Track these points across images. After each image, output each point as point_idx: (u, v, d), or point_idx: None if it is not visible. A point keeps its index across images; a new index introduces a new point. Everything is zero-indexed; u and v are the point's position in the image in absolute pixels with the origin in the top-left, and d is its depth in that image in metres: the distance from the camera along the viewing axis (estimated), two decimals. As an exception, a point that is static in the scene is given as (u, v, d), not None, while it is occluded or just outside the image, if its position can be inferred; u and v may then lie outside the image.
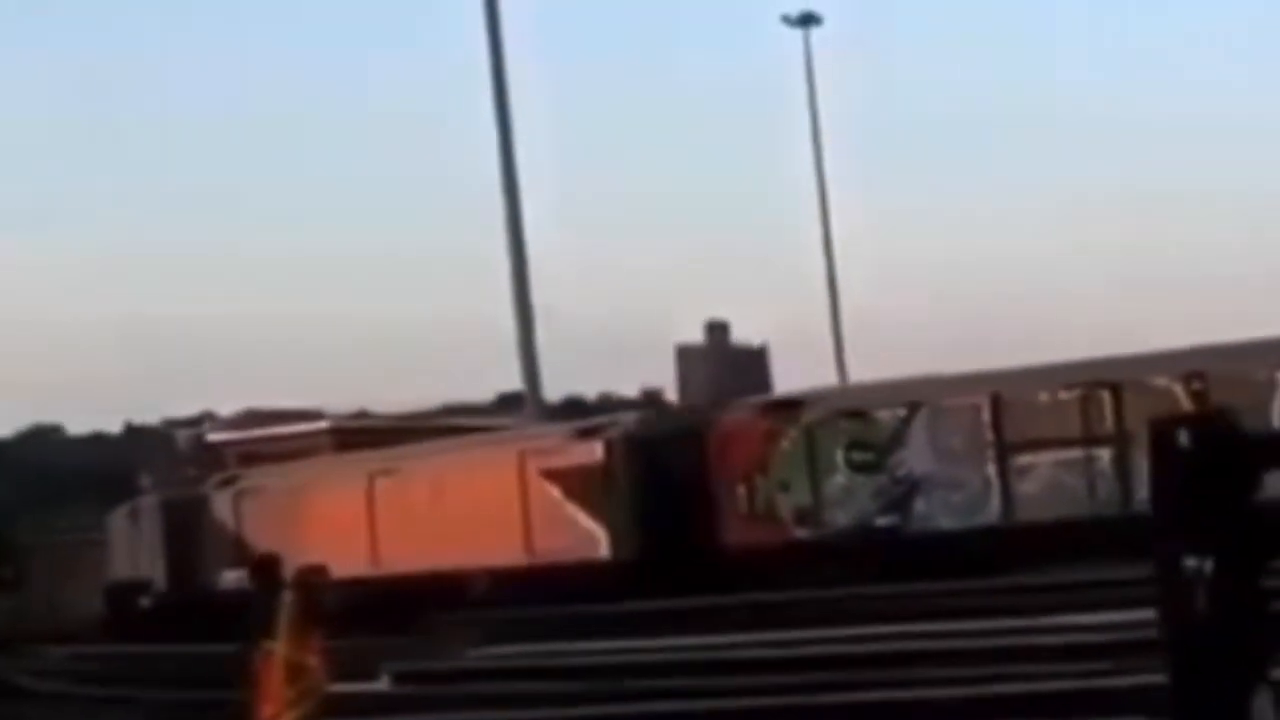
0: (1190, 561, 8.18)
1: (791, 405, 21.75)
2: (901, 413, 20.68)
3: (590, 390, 63.37)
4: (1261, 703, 8.14)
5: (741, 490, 21.35)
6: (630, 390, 63.18)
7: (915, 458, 20.36)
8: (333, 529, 24.83)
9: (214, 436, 38.07)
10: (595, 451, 22.73)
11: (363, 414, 40.49)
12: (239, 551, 26.66)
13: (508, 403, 44.25)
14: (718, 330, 69.77)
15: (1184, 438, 8.40)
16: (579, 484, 22.61)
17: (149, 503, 31.22)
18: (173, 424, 54.39)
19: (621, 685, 15.10)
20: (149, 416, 66.53)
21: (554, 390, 37.78)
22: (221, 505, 28.11)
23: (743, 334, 70.46)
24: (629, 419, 23.88)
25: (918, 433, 20.48)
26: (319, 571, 10.78)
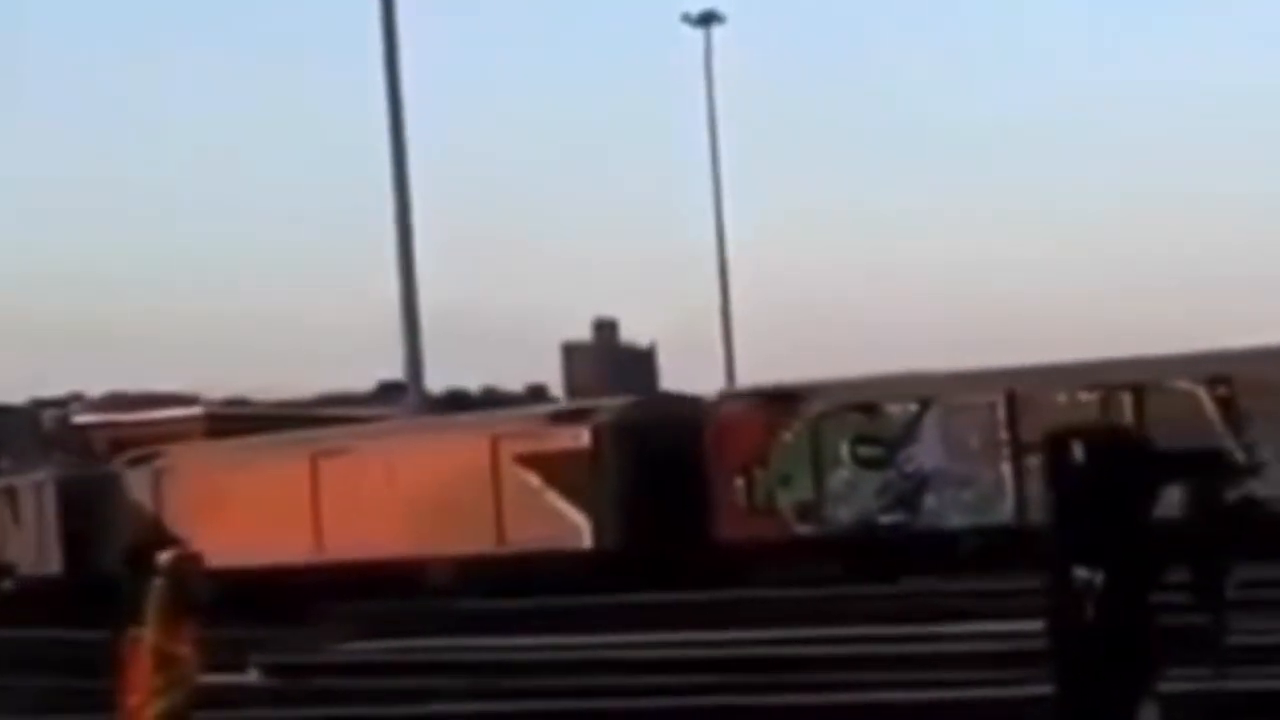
0: (1081, 573, 8.20)
1: (794, 397, 20.74)
2: (913, 408, 20.00)
3: (473, 383, 63.03)
4: (1148, 715, 8.16)
5: (739, 483, 20.42)
6: (515, 385, 62.94)
7: (926, 454, 19.55)
8: (270, 512, 23.62)
9: (82, 418, 37.22)
10: (581, 437, 21.62)
11: (239, 401, 39.84)
12: (158, 534, 24.90)
13: (388, 392, 43.75)
14: (606, 328, 70.09)
15: (1079, 451, 8.42)
16: (561, 471, 21.50)
17: (39, 479, 29.49)
18: (40, 404, 53.16)
19: (492, 683, 14.88)
20: (15, 395, 65.01)
21: (436, 382, 37.48)
22: (137, 484, 26.41)
23: (631, 333, 70.78)
24: (616, 405, 22.46)
25: (929, 429, 19.76)
26: (192, 559, 10.47)
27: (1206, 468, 9.22)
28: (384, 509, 22.68)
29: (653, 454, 21.27)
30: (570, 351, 69.70)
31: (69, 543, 27.59)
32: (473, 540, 21.79)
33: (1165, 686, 8.31)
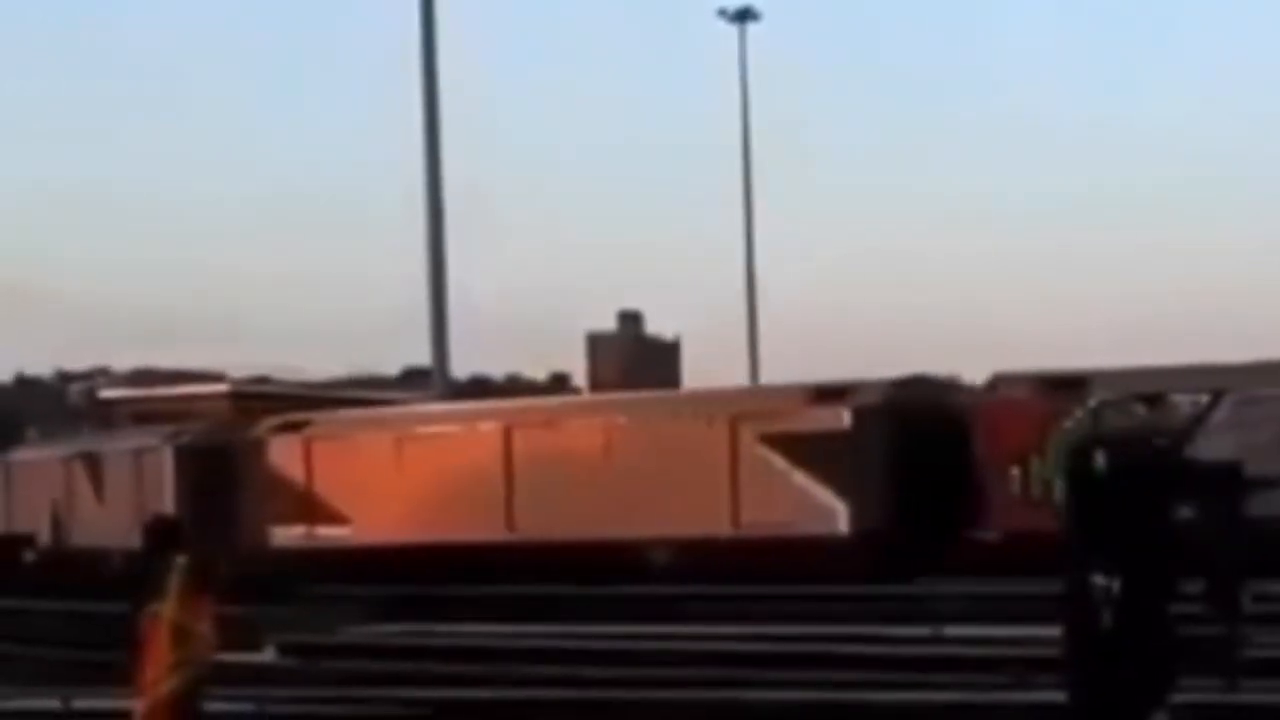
0: (1099, 580, 8.20)
1: (1076, 384, 19.64)
2: (1204, 399, 18.99)
3: (497, 371, 63.17)
4: (1159, 725, 8.16)
5: (1012, 473, 19.30)
6: (539, 373, 63.09)
7: (1214, 446, 17.90)
8: (452, 485, 22.23)
9: (107, 393, 37.42)
10: (842, 418, 20.39)
11: (264, 380, 40.05)
12: (304, 505, 24.03)
13: (413, 377, 43.90)
14: (631, 320, 70.10)
15: (1100, 459, 8.42)
16: (815, 453, 20.17)
17: (144, 445, 27.63)
18: (66, 377, 53.53)
19: (501, 670, 14.92)
20: (41, 368, 65.42)
21: (460, 368, 37.58)
22: (283, 452, 24.68)
23: (657, 325, 70.64)
24: (876, 386, 20.82)
25: (1220, 420, 18.71)
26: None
27: (1227, 482, 9.20)
28: (593, 486, 21.34)
29: (916, 437, 20.17)
30: (595, 342, 69.66)
31: (190, 514, 25.19)
32: (702, 522, 20.52)
33: (1177, 697, 8.30)
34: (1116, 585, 8.17)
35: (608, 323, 69.35)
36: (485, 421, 23.48)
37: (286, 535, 24.37)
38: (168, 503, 25.68)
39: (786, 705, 12.38)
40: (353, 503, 23.75)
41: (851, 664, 13.82)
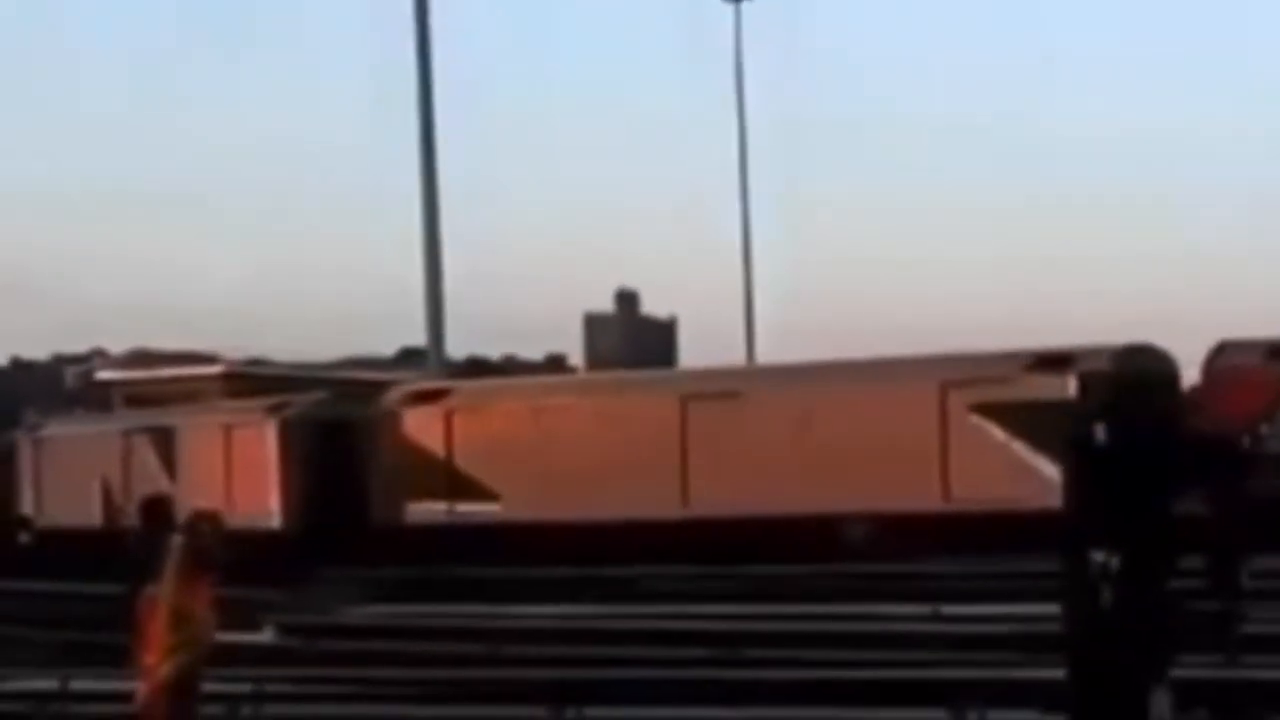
0: (1097, 557, 8.19)
1: None
2: None
3: (494, 352, 63.17)
4: (1159, 701, 8.15)
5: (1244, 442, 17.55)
6: (536, 354, 63.06)
7: None
8: (618, 458, 21.00)
9: (103, 375, 37.38)
10: (1068, 386, 19.01)
11: (258, 361, 39.98)
12: (443, 480, 22.55)
13: (409, 358, 43.87)
14: (628, 300, 70.07)
15: (1100, 434, 8.40)
16: (1036, 423, 18.66)
17: (234, 419, 25.36)
18: (62, 360, 53.51)
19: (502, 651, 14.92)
20: (37, 351, 65.43)
21: (457, 349, 37.54)
22: (421, 424, 23.16)
23: (653, 306, 70.62)
24: (1097, 351, 19.28)
25: None
26: (210, 517, 10.50)
27: (1226, 457, 9.19)
28: (782, 458, 20.14)
29: (1138, 407, 19.27)
30: (591, 322, 69.59)
31: (297, 491, 24.04)
32: (907, 496, 19.34)
33: (1178, 673, 8.30)
34: (1115, 562, 8.16)
35: (605, 303, 69.42)
36: (659, 390, 22.33)
37: (424, 512, 22.87)
38: (271, 479, 24.28)
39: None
40: (501, 477, 22.46)
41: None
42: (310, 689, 13.61)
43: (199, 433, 26.12)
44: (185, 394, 31.22)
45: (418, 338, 34.66)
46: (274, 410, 25.33)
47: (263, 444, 24.75)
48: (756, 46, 45.35)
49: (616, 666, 13.43)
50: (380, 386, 27.45)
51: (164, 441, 26.58)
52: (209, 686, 10.43)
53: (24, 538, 29.85)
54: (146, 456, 26.65)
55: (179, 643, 9.71)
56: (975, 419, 19.79)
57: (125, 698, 10.44)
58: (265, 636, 16.67)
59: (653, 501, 20.77)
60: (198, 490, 24.57)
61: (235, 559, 10.28)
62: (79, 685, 13.32)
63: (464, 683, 13.47)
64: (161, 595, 9.77)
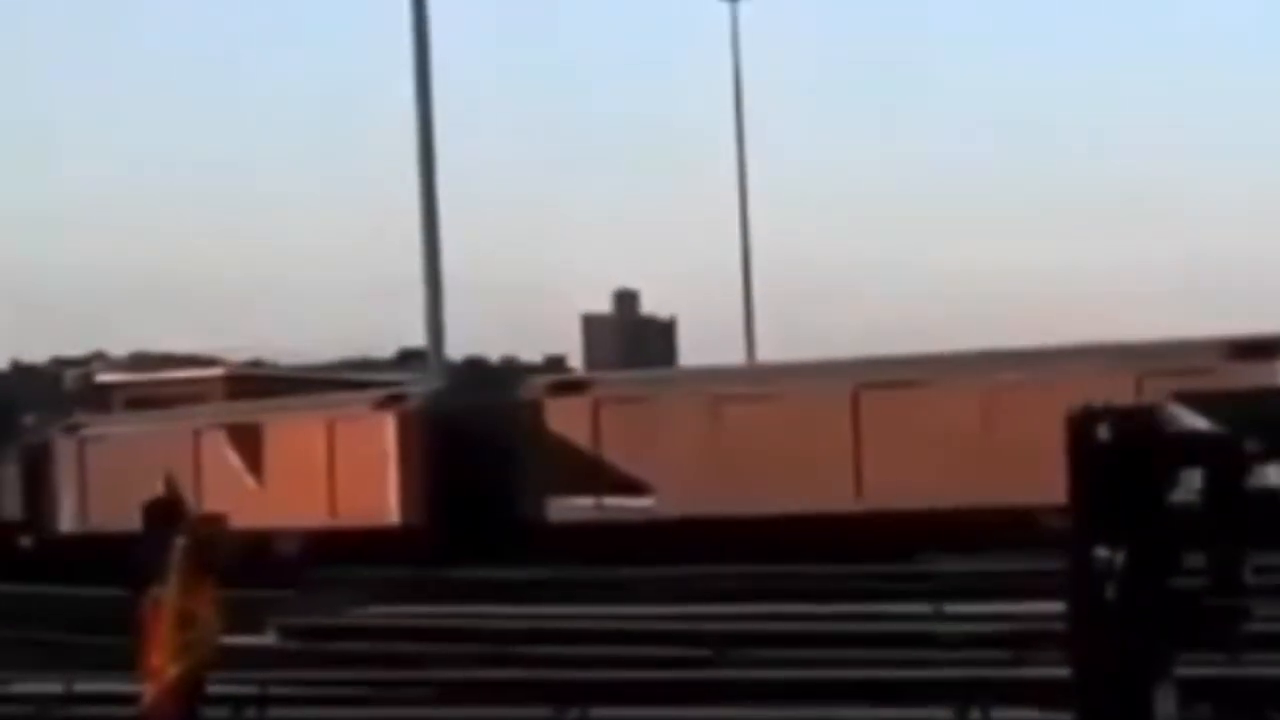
0: (1102, 553, 8.21)
1: None
2: None
3: (492, 353, 63.20)
4: (1164, 698, 8.17)
5: None
6: (534, 355, 63.08)
7: None
8: (783, 451, 19.92)
9: (104, 378, 37.39)
10: (1275, 374, 18.12)
11: (259, 363, 40.00)
12: (592, 474, 21.33)
13: (408, 359, 43.87)
14: (627, 299, 70.18)
15: (1104, 430, 8.42)
16: (1239, 412, 17.88)
17: (343, 412, 23.69)
18: (62, 363, 53.51)
19: (504, 651, 14.92)
20: (37, 355, 65.52)
21: (455, 350, 37.55)
22: (562, 415, 21.96)
23: (652, 306, 70.71)
24: None
25: None
26: (215, 519, 10.52)
27: (1226, 452, 9.20)
28: (965, 449, 19.25)
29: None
30: (590, 323, 69.61)
31: (419, 489, 22.63)
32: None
33: (1182, 671, 8.32)
34: (1120, 558, 8.18)
35: (603, 303, 69.53)
36: (828, 380, 21.04)
37: (570, 507, 21.83)
38: (389, 475, 22.91)
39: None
40: (656, 471, 21.43)
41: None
42: (313, 691, 13.62)
43: (293, 429, 24.49)
44: (186, 396, 31.21)
45: (416, 339, 34.66)
46: (389, 403, 24.03)
47: (377, 439, 23.36)
48: (754, 45, 45.35)
49: (617, 667, 13.45)
50: (499, 379, 25.90)
51: (248, 438, 24.97)
52: (214, 689, 10.45)
53: (25, 542, 29.84)
54: (224, 455, 25.15)
55: (184, 644, 9.73)
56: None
57: (131, 700, 10.45)
58: (268, 639, 16.68)
59: (824, 494, 19.88)
60: (291, 489, 23.52)
61: (241, 561, 10.28)
62: (83, 688, 13.32)
63: (469, 684, 13.48)
64: (166, 598, 9.79)
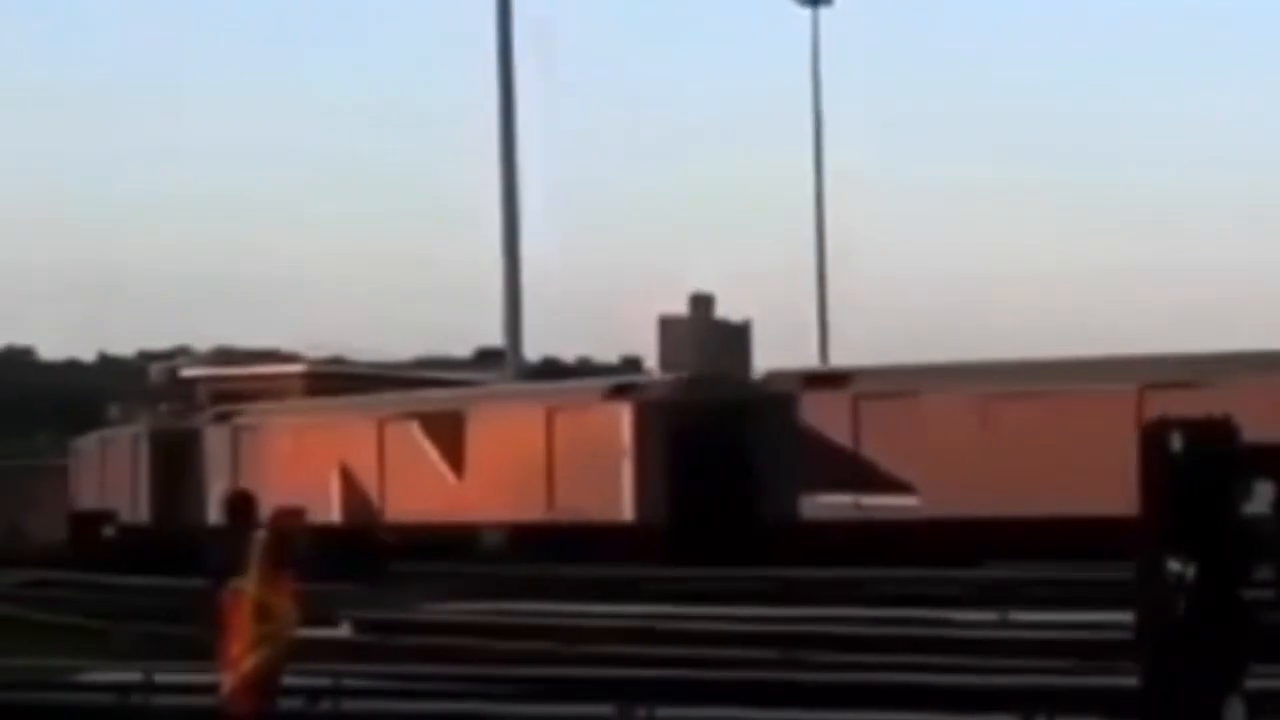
0: (1174, 565, 8.19)
1: None
2: None
3: (568, 354, 63.46)
4: (1233, 711, 8.14)
5: None
6: (610, 356, 63.19)
7: None
8: (1067, 452, 19.18)
9: (188, 372, 37.97)
10: None
11: (338, 360, 40.48)
12: (850, 471, 20.40)
13: (486, 359, 44.13)
14: (702, 303, 69.70)
15: (1176, 442, 8.39)
16: None
17: (564, 398, 22.44)
18: (147, 356, 54.29)
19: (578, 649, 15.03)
20: (124, 347, 66.54)
21: (532, 350, 37.78)
22: (821, 410, 21.01)
23: (728, 309, 70.52)
24: None
25: None
26: (294, 513, 10.70)
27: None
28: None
29: None
30: (665, 325, 69.48)
31: (657, 483, 21.44)
32: None
33: (1251, 683, 8.29)
34: (1191, 571, 8.15)
35: (680, 305, 69.58)
36: (1111, 379, 19.75)
37: (825, 505, 21.05)
38: (625, 469, 21.69)
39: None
40: (920, 469, 20.67)
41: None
42: (386, 684, 13.80)
43: (502, 418, 23.09)
44: (267, 391, 31.69)
45: (494, 339, 34.89)
46: (624, 392, 22.88)
47: (610, 430, 22.15)
48: (835, 49, 45.25)
49: (685, 667, 13.52)
50: (728, 372, 24.70)
51: (446, 428, 23.54)
52: (289, 680, 10.62)
53: (108, 532, 30.32)
54: (417, 446, 23.74)
55: (263, 636, 9.90)
56: None
57: (209, 690, 10.65)
58: (342, 631, 16.89)
59: (1102, 497, 18.56)
60: (498, 481, 22.25)
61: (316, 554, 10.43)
62: (163, 678, 13.57)
63: (536, 680, 13.61)
64: (245, 589, 9.97)
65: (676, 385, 23.35)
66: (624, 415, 22.14)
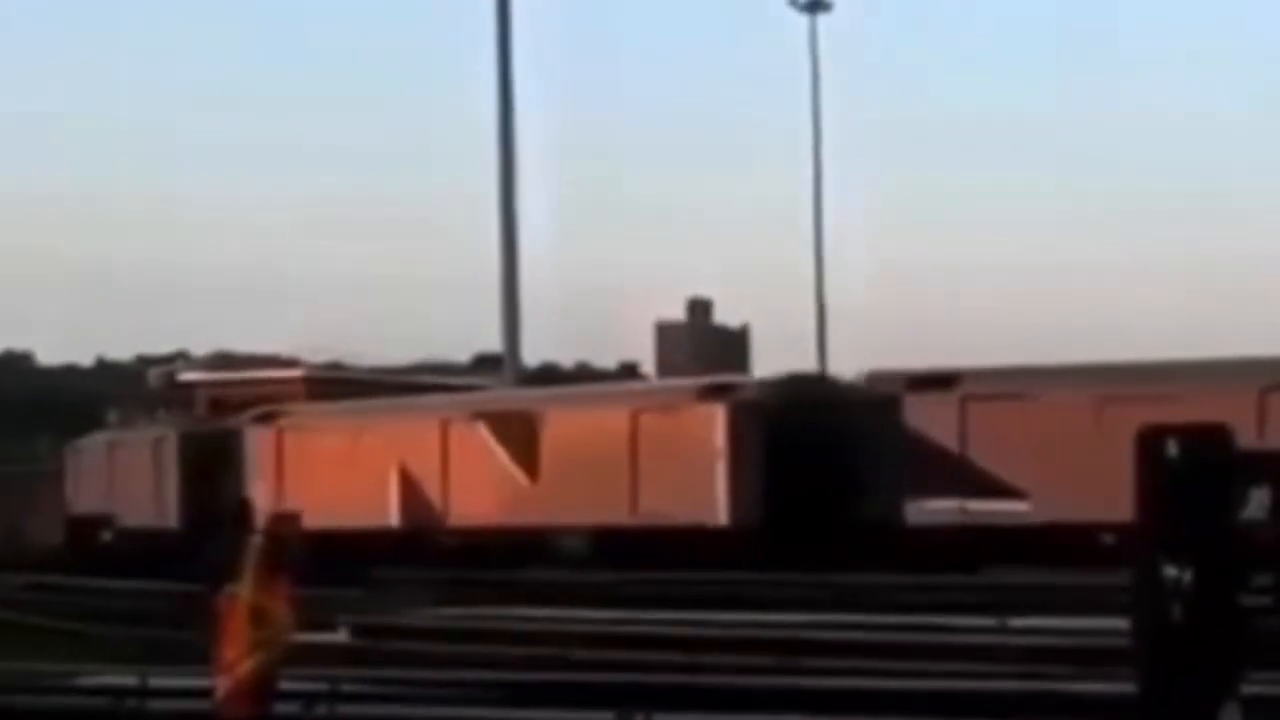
0: (1170, 571, 8.18)
1: None
2: None
3: (566, 359, 63.47)
4: (1230, 716, 8.13)
5: None
6: (608, 362, 63.22)
7: None
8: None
9: (186, 376, 37.97)
10: None
11: (337, 365, 40.48)
12: (956, 475, 19.91)
13: (484, 364, 44.13)
14: (700, 308, 70.00)
15: (1173, 448, 8.38)
16: None
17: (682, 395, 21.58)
18: (146, 361, 54.30)
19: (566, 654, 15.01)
20: (122, 352, 66.57)
21: (530, 356, 37.76)
22: (925, 413, 20.33)
23: (726, 314, 70.76)
24: None
25: None
26: (290, 518, 10.68)
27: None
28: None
29: None
30: (663, 330, 69.73)
31: (754, 484, 20.81)
32: None
33: (1247, 689, 8.28)
34: (1187, 577, 8.15)
35: (677, 311, 69.74)
36: (1232, 380, 19.07)
37: (931, 510, 20.46)
38: (720, 470, 20.92)
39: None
40: (1029, 473, 20.05)
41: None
42: (383, 690, 13.78)
43: (581, 418, 22.29)
44: (267, 396, 31.68)
45: (492, 344, 34.88)
46: (718, 393, 22.02)
47: (704, 431, 21.35)
48: (831, 56, 45.26)
49: (683, 673, 13.51)
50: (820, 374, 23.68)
51: (517, 428, 22.71)
52: (284, 684, 10.60)
53: (105, 536, 30.26)
54: (485, 447, 22.83)
55: (258, 640, 9.88)
56: None
57: (205, 695, 10.63)
58: (339, 636, 16.86)
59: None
60: (575, 484, 21.36)
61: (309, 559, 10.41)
62: (158, 682, 13.54)
63: (532, 685, 13.59)
64: (241, 594, 9.95)
65: (774, 385, 22.68)
66: (718, 416, 21.44)
